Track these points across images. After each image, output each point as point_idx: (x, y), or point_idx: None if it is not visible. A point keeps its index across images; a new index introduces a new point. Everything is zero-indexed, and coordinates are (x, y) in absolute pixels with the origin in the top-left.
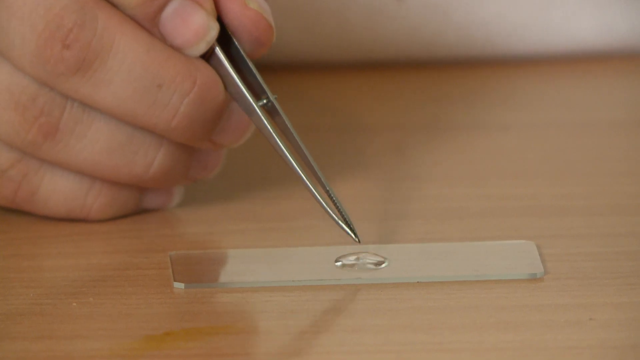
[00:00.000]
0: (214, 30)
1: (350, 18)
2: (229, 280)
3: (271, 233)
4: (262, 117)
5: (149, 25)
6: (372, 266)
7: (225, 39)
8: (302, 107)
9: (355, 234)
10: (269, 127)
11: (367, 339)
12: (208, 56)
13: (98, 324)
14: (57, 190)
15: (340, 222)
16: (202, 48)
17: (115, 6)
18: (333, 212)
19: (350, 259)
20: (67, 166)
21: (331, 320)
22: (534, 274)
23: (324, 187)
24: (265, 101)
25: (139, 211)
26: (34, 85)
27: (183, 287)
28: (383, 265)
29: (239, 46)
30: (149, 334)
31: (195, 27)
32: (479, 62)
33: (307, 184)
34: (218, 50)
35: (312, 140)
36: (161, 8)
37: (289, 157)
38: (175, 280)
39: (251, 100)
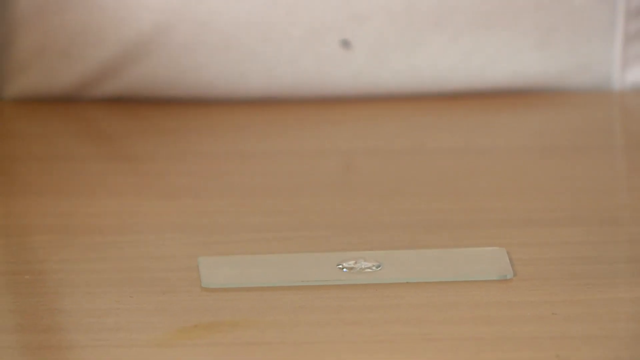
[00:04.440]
0: None
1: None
2: (248, 281)
3: (283, 242)
4: None
5: None
6: (368, 269)
7: None
8: (299, 134)
9: None
10: None
11: (364, 331)
12: None
13: (138, 318)
14: None
15: None
16: None
17: None
18: None
19: (350, 263)
20: None
21: (333, 315)
22: (504, 276)
23: None
24: None
25: (171, 225)
26: None
27: (209, 287)
28: (378, 269)
29: None
30: (180, 326)
31: None
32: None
33: None
34: None
35: (316, 164)
36: None
37: None
38: (202, 281)
39: None
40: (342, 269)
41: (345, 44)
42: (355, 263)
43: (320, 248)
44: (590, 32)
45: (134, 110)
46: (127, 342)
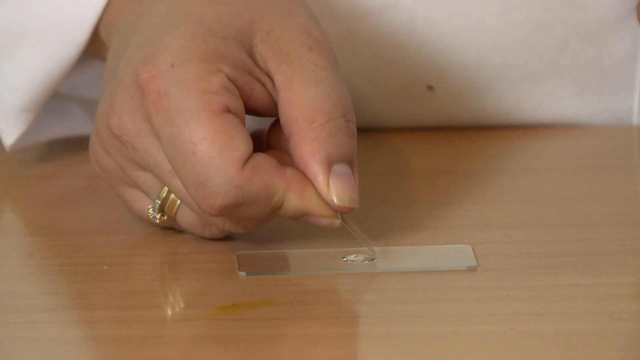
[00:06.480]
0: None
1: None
2: (275, 270)
3: (303, 241)
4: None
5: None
6: (366, 262)
7: None
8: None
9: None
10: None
11: (362, 309)
12: None
13: (189, 298)
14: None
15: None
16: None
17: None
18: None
19: (352, 257)
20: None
21: (339, 297)
22: (470, 267)
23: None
24: None
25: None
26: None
27: (245, 275)
28: (373, 261)
29: None
30: (222, 305)
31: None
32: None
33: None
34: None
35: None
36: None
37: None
38: (239, 270)
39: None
40: (346, 261)
41: (430, 88)
42: (356, 257)
43: (330, 245)
44: (615, 85)
45: None
46: (180, 317)
